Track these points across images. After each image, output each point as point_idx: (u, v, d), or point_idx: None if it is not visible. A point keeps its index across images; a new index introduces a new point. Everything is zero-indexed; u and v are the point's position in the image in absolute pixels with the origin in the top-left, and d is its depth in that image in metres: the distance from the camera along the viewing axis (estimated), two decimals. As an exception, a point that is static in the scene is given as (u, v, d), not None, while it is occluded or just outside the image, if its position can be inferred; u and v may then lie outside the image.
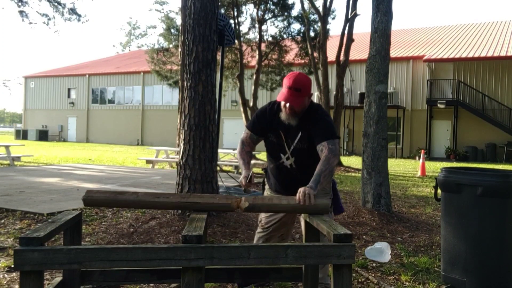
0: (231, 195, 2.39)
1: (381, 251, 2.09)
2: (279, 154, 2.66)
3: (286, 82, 2.51)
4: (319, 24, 15.35)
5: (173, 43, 19.28)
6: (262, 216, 2.84)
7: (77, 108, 35.99)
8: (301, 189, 2.25)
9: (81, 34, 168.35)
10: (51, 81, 37.52)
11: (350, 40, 14.53)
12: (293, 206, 2.25)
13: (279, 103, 2.61)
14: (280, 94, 2.52)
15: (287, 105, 2.50)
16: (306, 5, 16.51)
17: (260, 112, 2.73)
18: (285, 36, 18.67)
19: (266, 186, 2.90)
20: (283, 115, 2.56)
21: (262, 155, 16.33)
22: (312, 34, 16.93)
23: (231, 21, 16.07)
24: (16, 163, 12.03)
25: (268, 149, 2.75)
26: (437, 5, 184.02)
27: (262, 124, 2.68)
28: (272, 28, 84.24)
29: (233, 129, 28.28)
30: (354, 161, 17.72)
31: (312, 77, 16.47)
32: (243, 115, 17.38)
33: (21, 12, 14.72)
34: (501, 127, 21.55)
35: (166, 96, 31.81)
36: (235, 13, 17.15)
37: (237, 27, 17.08)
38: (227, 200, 2.25)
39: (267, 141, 2.73)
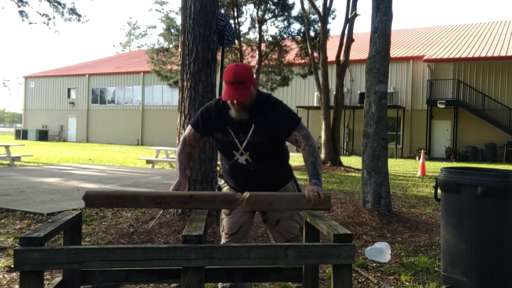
0: (231, 194, 2.31)
1: (381, 251, 2.08)
2: (232, 152, 2.44)
3: (225, 78, 2.29)
4: (319, 24, 15.36)
5: (173, 43, 19.29)
6: (224, 223, 2.55)
7: (77, 108, 35.99)
8: (308, 187, 2.19)
9: (81, 34, 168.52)
10: (51, 81, 37.52)
11: (350, 40, 14.54)
12: (298, 203, 2.22)
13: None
14: (224, 93, 2.30)
15: (234, 102, 2.30)
16: (306, 5, 16.53)
17: (205, 109, 2.50)
18: (285, 36, 18.69)
19: (225, 189, 2.64)
20: (233, 113, 2.36)
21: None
22: (312, 34, 16.95)
23: (231, 21, 16.07)
24: (16, 163, 12.03)
25: (219, 149, 2.54)
26: (437, 5, 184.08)
27: (206, 122, 2.46)
28: (272, 28, 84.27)
29: (233, 129, 28.23)
30: (354, 161, 17.71)
31: (312, 77, 16.50)
32: (243, 115, 17.37)
33: (21, 12, 14.72)
34: (501, 127, 21.55)
35: (166, 96, 31.81)
36: (235, 13, 17.16)
37: (237, 27, 17.09)
38: (228, 205, 2.23)
39: (216, 141, 2.52)
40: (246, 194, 2.18)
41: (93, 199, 2.16)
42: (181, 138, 2.55)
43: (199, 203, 2.21)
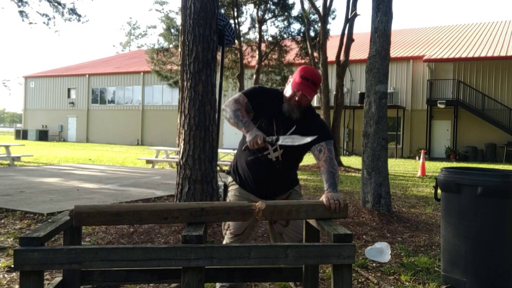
0: (247, 205, 2.18)
1: (381, 251, 2.08)
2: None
3: (302, 73, 2.37)
4: (319, 24, 15.36)
5: (173, 43, 19.31)
6: (230, 223, 2.53)
7: (77, 108, 35.99)
8: (327, 195, 2.14)
9: (81, 34, 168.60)
10: (51, 81, 37.51)
11: (350, 40, 14.54)
12: (315, 213, 2.13)
13: (281, 93, 2.49)
14: (295, 84, 2.36)
15: (299, 94, 2.35)
16: (306, 5, 16.54)
17: (260, 88, 2.55)
18: (285, 36, 18.71)
19: (233, 187, 2.61)
20: (286, 106, 2.41)
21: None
22: (312, 34, 16.97)
23: (231, 21, 16.08)
24: (16, 163, 12.03)
25: None
26: (437, 5, 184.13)
27: (260, 100, 2.46)
28: (272, 28, 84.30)
29: (233, 129, 28.25)
30: (354, 161, 17.71)
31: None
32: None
33: (21, 12, 14.74)
34: (501, 127, 21.54)
35: (166, 96, 31.81)
36: (235, 13, 17.17)
37: (237, 27, 17.10)
38: (243, 217, 2.11)
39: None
40: (262, 205, 2.07)
41: (84, 217, 1.97)
42: (231, 100, 2.39)
43: (212, 216, 2.07)
